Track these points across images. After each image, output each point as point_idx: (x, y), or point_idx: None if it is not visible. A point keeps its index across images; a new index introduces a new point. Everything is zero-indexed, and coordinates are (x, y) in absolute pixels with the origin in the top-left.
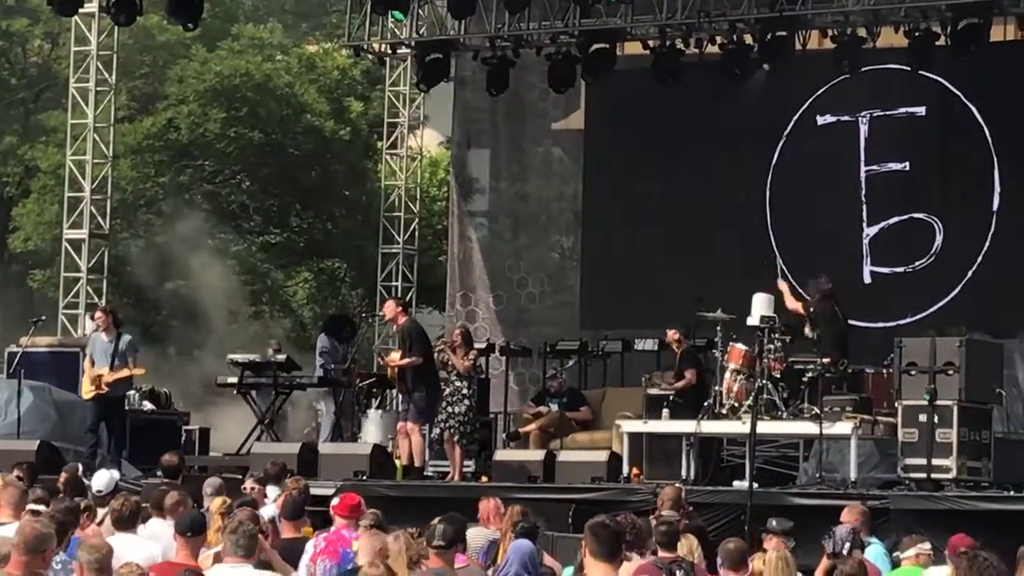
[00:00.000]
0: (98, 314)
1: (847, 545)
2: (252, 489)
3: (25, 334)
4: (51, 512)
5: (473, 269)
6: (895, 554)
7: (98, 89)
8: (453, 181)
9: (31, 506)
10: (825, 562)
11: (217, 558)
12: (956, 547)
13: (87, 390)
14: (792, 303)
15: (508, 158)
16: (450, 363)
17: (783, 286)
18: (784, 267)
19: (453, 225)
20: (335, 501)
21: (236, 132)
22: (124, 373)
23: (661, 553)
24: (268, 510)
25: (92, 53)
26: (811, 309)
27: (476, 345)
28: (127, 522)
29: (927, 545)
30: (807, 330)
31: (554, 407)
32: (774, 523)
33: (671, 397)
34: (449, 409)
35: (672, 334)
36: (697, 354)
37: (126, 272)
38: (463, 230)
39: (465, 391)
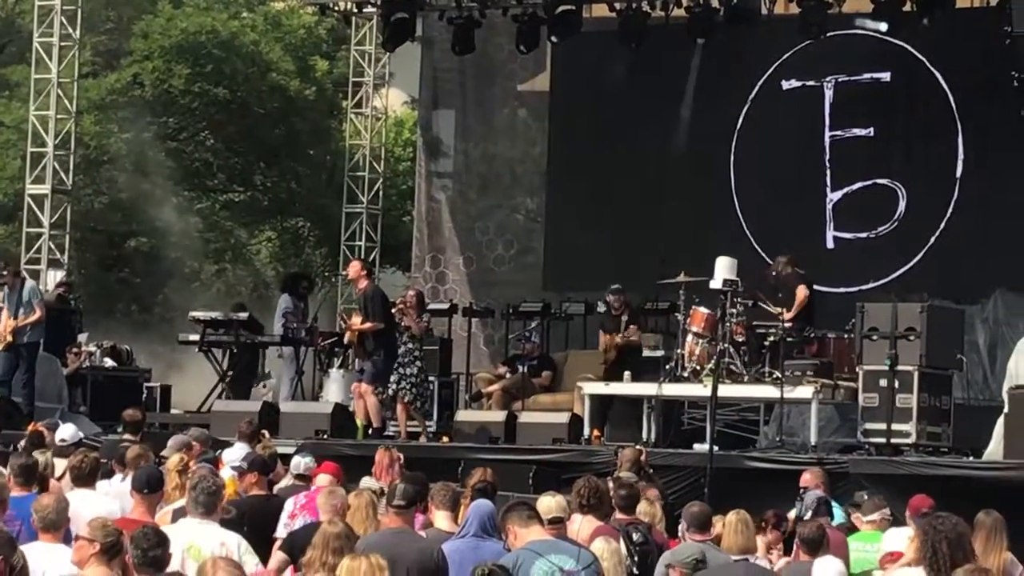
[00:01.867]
0: (4, 274)
1: (809, 512)
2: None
3: None
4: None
5: (442, 231)
6: (856, 515)
7: (62, 44)
8: (420, 142)
9: None
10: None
11: (176, 515)
12: (918, 508)
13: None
14: (776, 309)
15: (474, 119)
16: (403, 323)
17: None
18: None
19: (420, 186)
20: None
21: (201, 89)
22: (22, 320)
23: (619, 515)
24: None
25: (56, 7)
26: (776, 276)
27: (439, 306)
28: (87, 478)
29: (887, 510)
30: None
31: (521, 369)
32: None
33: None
34: (401, 370)
35: (614, 299)
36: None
37: (89, 228)
38: (430, 191)
39: (417, 352)
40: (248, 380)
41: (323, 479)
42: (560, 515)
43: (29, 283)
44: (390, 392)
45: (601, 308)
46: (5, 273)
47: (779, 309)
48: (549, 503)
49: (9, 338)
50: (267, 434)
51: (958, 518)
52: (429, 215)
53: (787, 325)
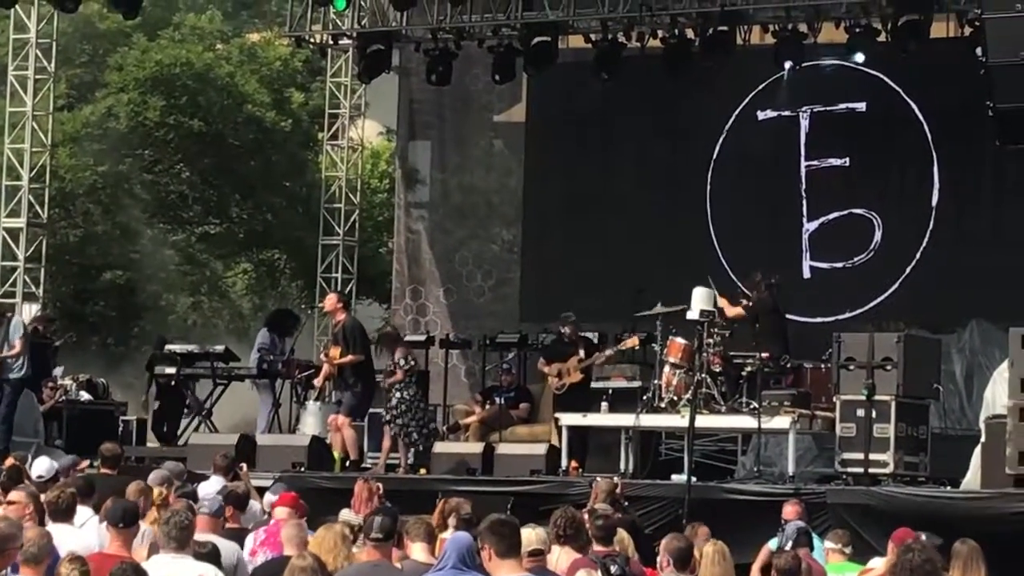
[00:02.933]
0: None
1: (790, 543)
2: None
3: None
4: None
5: (421, 262)
6: (821, 545)
7: (37, 77)
8: (398, 173)
9: None
10: (762, 556)
11: (152, 550)
12: (902, 540)
13: None
14: (732, 310)
15: (450, 150)
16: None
17: (722, 301)
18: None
19: (399, 218)
20: (273, 497)
21: (176, 121)
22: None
23: (596, 547)
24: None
25: (31, 41)
26: (751, 303)
27: (416, 338)
28: (64, 513)
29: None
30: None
31: (500, 401)
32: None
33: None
34: (399, 394)
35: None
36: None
37: (64, 261)
38: (409, 223)
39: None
40: (177, 412)
41: (281, 512)
42: (540, 547)
43: (15, 319)
44: (387, 417)
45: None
46: None
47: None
48: (529, 535)
49: None
50: (245, 467)
51: (932, 552)
52: (408, 247)
53: (763, 356)
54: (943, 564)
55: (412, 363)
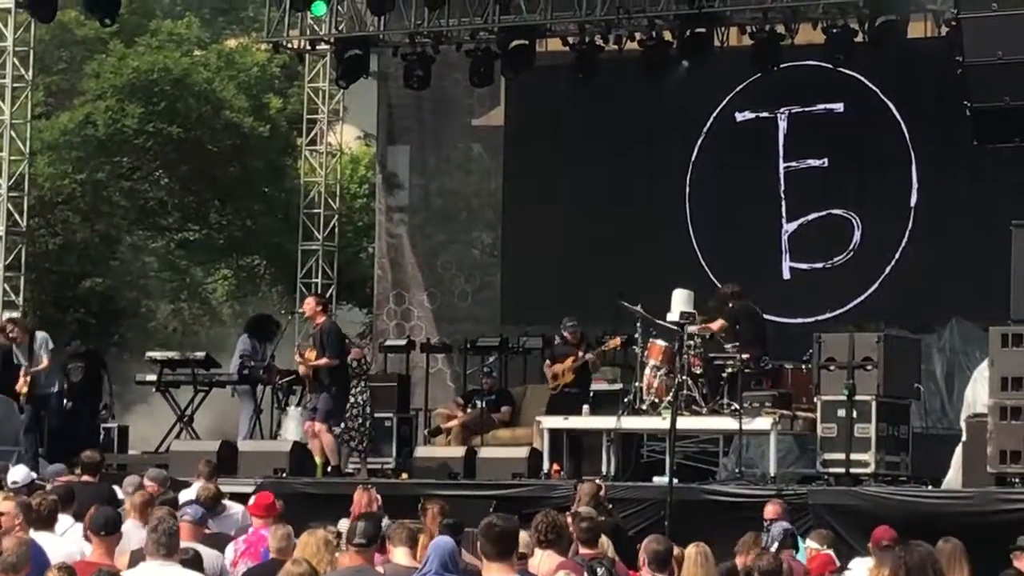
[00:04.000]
0: (11, 328)
1: (775, 543)
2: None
3: None
4: None
5: (404, 267)
6: (804, 546)
7: (14, 85)
8: (379, 178)
9: None
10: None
11: (133, 558)
12: (879, 540)
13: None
14: (716, 324)
15: (429, 154)
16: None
17: (706, 325)
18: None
19: (380, 223)
20: (251, 502)
21: (154, 128)
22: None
23: (582, 550)
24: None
25: (8, 48)
26: (732, 307)
27: (396, 342)
28: (45, 521)
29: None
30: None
31: (482, 404)
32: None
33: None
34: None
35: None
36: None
37: (44, 270)
38: (390, 228)
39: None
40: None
41: (257, 521)
42: (523, 551)
43: (40, 335)
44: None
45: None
46: (15, 330)
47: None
48: None
49: (25, 389)
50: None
51: (929, 549)
52: (390, 252)
53: (744, 357)
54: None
55: (366, 367)
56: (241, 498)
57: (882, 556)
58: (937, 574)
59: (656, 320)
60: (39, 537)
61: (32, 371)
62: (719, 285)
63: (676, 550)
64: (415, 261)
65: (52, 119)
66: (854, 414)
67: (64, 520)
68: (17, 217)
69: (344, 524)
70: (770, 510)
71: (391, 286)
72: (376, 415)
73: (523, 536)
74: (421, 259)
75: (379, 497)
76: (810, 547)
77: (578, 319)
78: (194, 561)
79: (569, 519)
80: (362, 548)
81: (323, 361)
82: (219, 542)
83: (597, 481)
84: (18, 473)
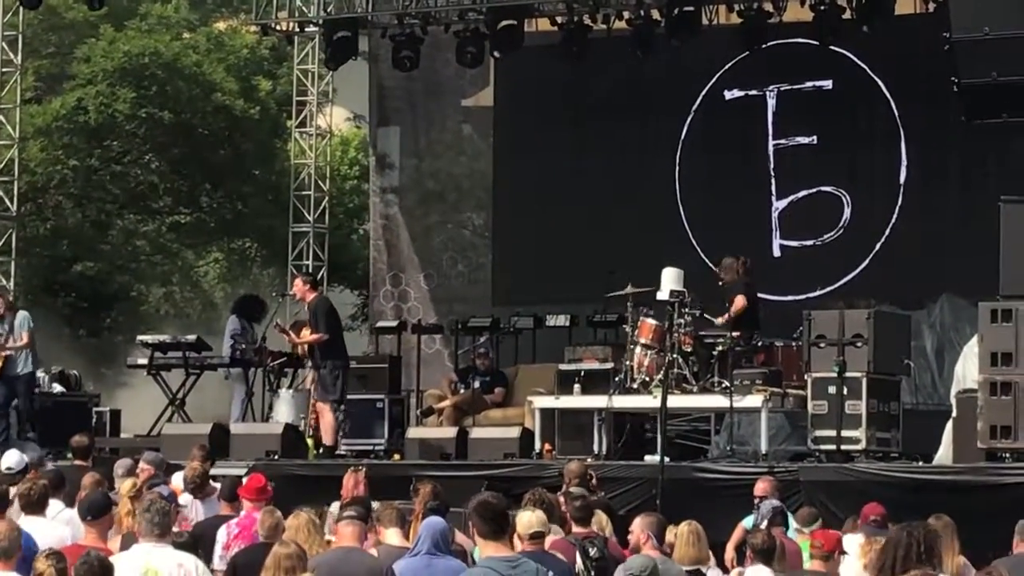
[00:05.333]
0: None
1: (765, 521)
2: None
3: None
4: None
5: (400, 248)
6: (795, 527)
7: (3, 70)
8: (372, 160)
9: None
10: (737, 535)
11: (125, 540)
12: (867, 516)
13: None
14: (735, 308)
15: (420, 135)
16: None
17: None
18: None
19: (374, 204)
20: (243, 484)
21: (146, 112)
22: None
23: (576, 528)
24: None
25: None
26: (724, 282)
27: (387, 323)
28: (36, 506)
29: (820, 520)
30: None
31: (476, 385)
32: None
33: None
34: None
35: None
36: None
37: (35, 254)
38: (384, 209)
39: None
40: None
41: (248, 504)
42: (541, 530)
43: (21, 313)
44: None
45: (558, 321)
46: None
47: (720, 318)
48: (530, 518)
49: None
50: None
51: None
52: (385, 233)
53: (734, 334)
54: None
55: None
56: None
57: (871, 532)
58: (935, 555)
59: (658, 297)
60: (30, 522)
61: (9, 348)
62: (711, 266)
63: (669, 531)
64: (410, 242)
65: (44, 104)
66: (844, 391)
67: (55, 505)
68: (8, 202)
69: (336, 507)
70: (760, 487)
71: (387, 267)
72: (368, 396)
73: (540, 515)
74: (416, 240)
75: (362, 476)
76: (795, 528)
77: (569, 298)
78: (188, 544)
79: (561, 499)
80: (353, 520)
81: (313, 337)
82: (213, 524)
83: (586, 460)
84: (11, 459)
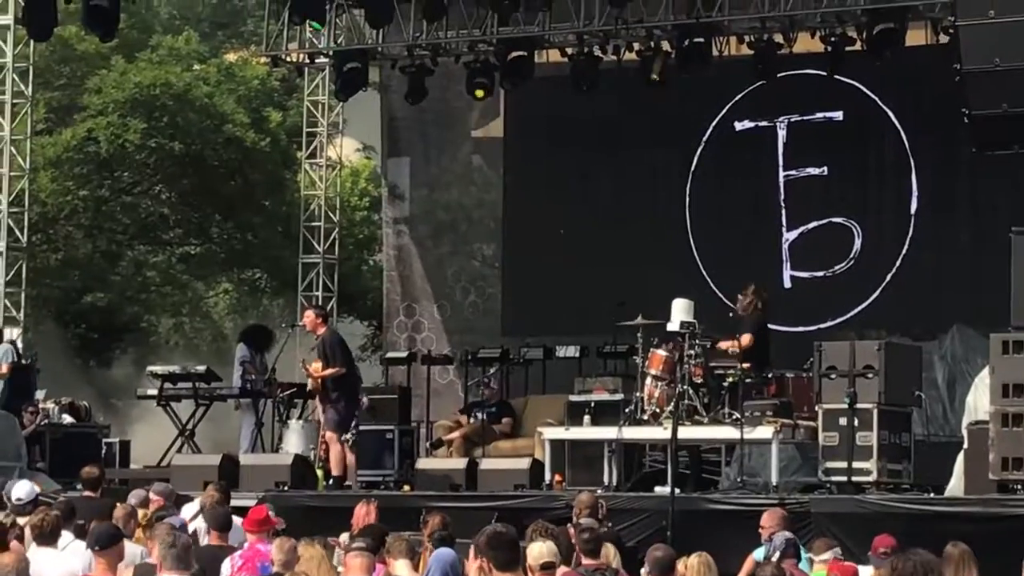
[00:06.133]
0: None
1: (777, 553)
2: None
3: None
4: None
5: (414, 279)
6: (807, 556)
7: (14, 102)
8: (384, 190)
9: None
10: (747, 567)
11: (137, 572)
12: (878, 548)
13: None
14: (744, 339)
15: (430, 165)
16: None
17: (725, 344)
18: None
19: (387, 235)
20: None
21: (156, 143)
22: None
23: (585, 560)
24: (192, 519)
25: (8, 65)
26: (737, 314)
27: (397, 354)
28: (48, 537)
29: (838, 549)
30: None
31: (480, 416)
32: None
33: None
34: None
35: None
36: None
37: (45, 285)
38: (396, 240)
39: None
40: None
41: (251, 537)
42: (552, 560)
43: (4, 345)
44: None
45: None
46: None
47: (730, 343)
48: (541, 549)
49: None
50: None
51: (929, 557)
52: (399, 265)
53: (745, 366)
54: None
55: None
56: (243, 512)
57: (881, 564)
58: None
59: (668, 328)
60: (42, 553)
61: None
62: (721, 296)
63: (680, 563)
64: (423, 273)
65: (54, 135)
66: (856, 422)
67: (65, 536)
68: (18, 233)
69: (346, 537)
70: (766, 519)
71: (400, 298)
72: (378, 427)
73: (551, 546)
74: (427, 271)
75: (373, 507)
76: (813, 558)
77: (579, 329)
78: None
79: (570, 530)
80: (363, 551)
81: (329, 371)
82: (220, 554)
83: (597, 491)
84: (22, 490)
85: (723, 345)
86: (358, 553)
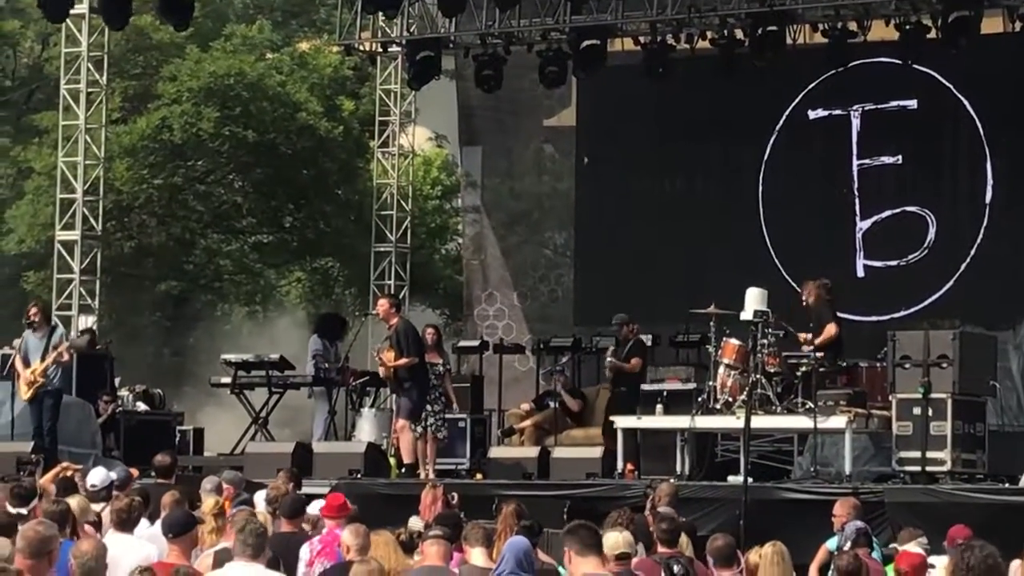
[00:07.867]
0: (32, 309)
1: (849, 543)
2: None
3: (18, 336)
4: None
5: (493, 268)
6: (891, 546)
7: (89, 90)
8: (462, 179)
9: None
10: (820, 556)
11: (217, 557)
12: (954, 538)
13: (24, 392)
14: (825, 335)
15: (503, 155)
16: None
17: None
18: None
19: (465, 224)
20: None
21: (230, 131)
22: (50, 359)
23: (661, 549)
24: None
25: (83, 54)
26: (808, 304)
27: (469, 343)
28: (131, 523)
29: (924, 539)
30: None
31: (552, 405)
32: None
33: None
34: (429, 407)
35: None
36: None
37: (119, 273)
38: (472, 230)
39: (441, 389)
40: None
41: (330, 522)
42: (627, 551)
43: (60, 329)
44: (421, 429)
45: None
46: (34, 312)
47: (805, 336)
48: (616, 539)
49: (40, 379)
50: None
51: (991, 549)
52: (478, 253)
53: (818, 355)
54: (1004, 563)
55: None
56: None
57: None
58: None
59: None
60: (119, 538)
61: (53, 360)
62: (795, 286)
63: (753, 552)
64: (503, 261)
65: (129, 124)
66: (930, 412)
67: (141, 523)
68: (93, 221)
69: (414, 521)
70: (838, 508)
71: (481, 287)
72: (450, 416)
73: (627, 536)
74: (504, 259)
75: (447, 495)
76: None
77: (651, 318)
78: (273, 561)
79: (649, 518)
80: (439, 539)
81: (403, 361)
82: (295, 541)
83: (673, 481)
84: (97, 476)
85: (803, 339)
86: (435, 540)
